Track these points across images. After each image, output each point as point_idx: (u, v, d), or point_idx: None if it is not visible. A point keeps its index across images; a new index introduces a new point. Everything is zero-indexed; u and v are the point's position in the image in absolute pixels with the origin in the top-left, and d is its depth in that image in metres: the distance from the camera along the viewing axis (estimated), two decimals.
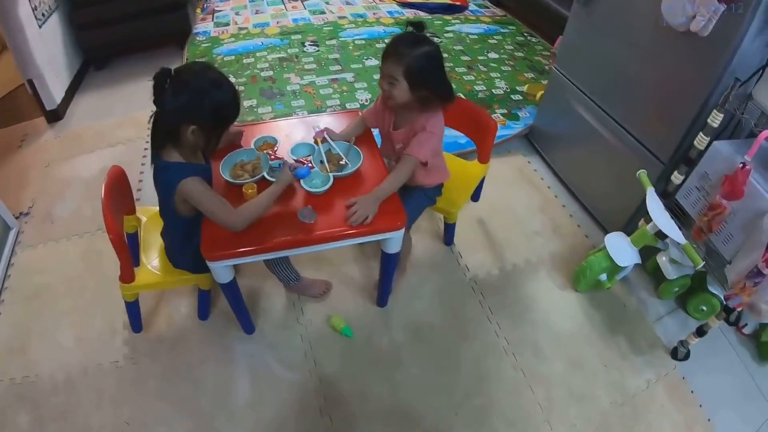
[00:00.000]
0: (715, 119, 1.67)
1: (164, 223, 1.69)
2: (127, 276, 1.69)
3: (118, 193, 1.72)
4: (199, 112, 1.37)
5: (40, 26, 3.07)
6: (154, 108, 1.40)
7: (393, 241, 1.65)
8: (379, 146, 1.86)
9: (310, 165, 1.65)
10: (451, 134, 2.17)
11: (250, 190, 1.58)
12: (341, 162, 1.71)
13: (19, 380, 1.83)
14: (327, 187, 1.60)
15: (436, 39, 4.11)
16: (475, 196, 2.28)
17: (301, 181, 1.60)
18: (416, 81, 1.57)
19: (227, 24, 4.39)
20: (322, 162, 1.71)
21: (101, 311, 2.04)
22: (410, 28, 1.62)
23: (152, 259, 1.80)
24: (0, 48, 4.16)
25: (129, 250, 1.65)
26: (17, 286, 2.17)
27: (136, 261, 1.80)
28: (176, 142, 1.44)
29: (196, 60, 1.42)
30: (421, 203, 1.91)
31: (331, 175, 1.63)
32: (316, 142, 1.76)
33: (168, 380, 1.83)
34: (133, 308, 1.87)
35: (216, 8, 4.72)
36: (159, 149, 1.46)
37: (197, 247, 1.49)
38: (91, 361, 1.88)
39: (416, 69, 1.56)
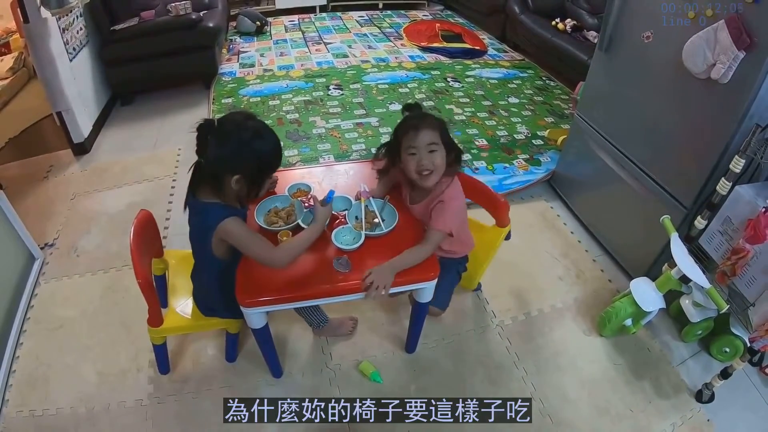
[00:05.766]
0: (737, 165, 1.68)
1: (197, 265, 1.67)
2: (155, 320, 1.67)
3: (146, 236, 1.72)
4: (243, 162, 1.39)
5: (70, 60, 3.13)
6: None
7: (425, 291, 1.65)
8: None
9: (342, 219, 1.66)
10: None
11: (285, 238, 1.58)
12: (375, 220, 1.69)
13: (39, 412, 1.80)
14: (358, 245, 1.58)
15: (457, 84, 4.24)
16: None
17: (332, 236, 1.60)
18: (447, 142, 1.62)
19: (252, 65, 4.50)
20: (357, 218, 1.70)
21: (125, 348, 2.01)
22: (407, 113, 1.66)
23: (180, 303, 1.78)
24: (28, 77, 4.28)
25: (157, 294, 1.64)
26: (40, 317, 2.16)
27: (164, 303, 1.80)
28: (219, 190, 1.44)
29: (238, 110, 1.43)
30: (453, 280, 1.92)
31: (362, 233, 1.61)
32: (358, 198, 1.74)
33: (194, 422, 1.79)
34: (160, 350, 1.84)
35: (241, 49, 4.86)
36: (196, 191, 1.47)
37: (230, 292, 1.48)
38: (114, 397, 1.85)
39: (445, 131, 1.61)
